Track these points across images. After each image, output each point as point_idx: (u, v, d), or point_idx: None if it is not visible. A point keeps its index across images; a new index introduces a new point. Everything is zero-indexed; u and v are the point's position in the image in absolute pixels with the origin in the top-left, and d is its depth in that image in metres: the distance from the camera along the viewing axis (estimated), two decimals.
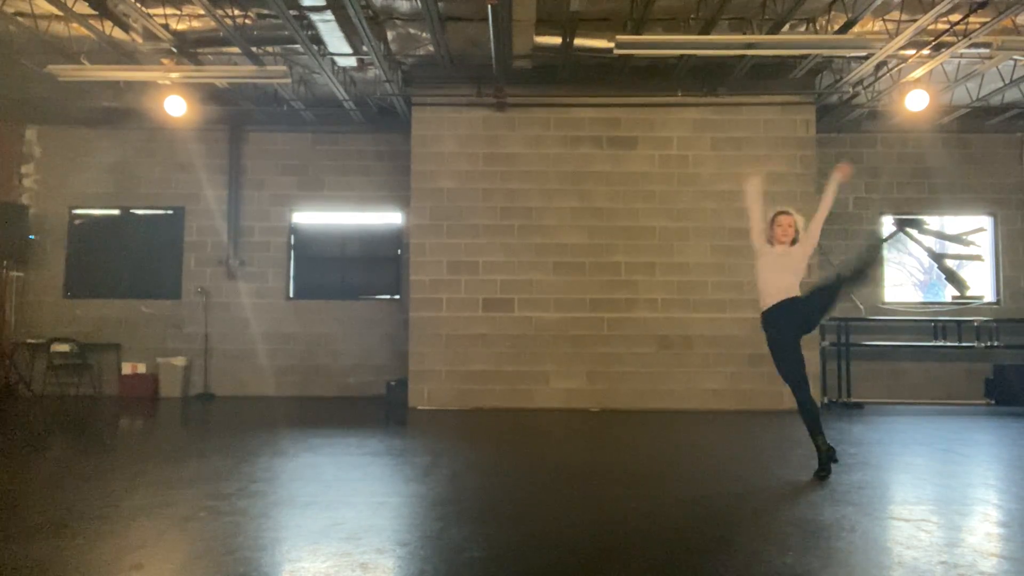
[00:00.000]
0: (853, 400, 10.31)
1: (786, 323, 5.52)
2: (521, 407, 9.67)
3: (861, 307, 10.83)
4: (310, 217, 11.42)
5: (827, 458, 5.46)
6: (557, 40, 8.30)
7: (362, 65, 9.17)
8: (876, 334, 10.74)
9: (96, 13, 7.47)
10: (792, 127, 9.98)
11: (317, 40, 8.10)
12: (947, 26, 7.44)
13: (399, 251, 11.29)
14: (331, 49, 8.34)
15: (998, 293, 11.09)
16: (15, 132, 11.30)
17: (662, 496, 5.13)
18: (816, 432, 5.46)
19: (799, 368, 5.50)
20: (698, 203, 9.93)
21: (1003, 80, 9.04)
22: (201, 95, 9.70)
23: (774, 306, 5.55)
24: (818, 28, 8.17)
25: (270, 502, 4.77)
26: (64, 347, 10.72)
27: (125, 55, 8.43)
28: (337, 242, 11.40)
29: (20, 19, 7.68)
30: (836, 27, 7.97)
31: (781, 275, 5.58)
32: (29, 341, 10.79)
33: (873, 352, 10.67)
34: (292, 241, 11.37)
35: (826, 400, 10.13)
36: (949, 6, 6.78)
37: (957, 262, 11.51)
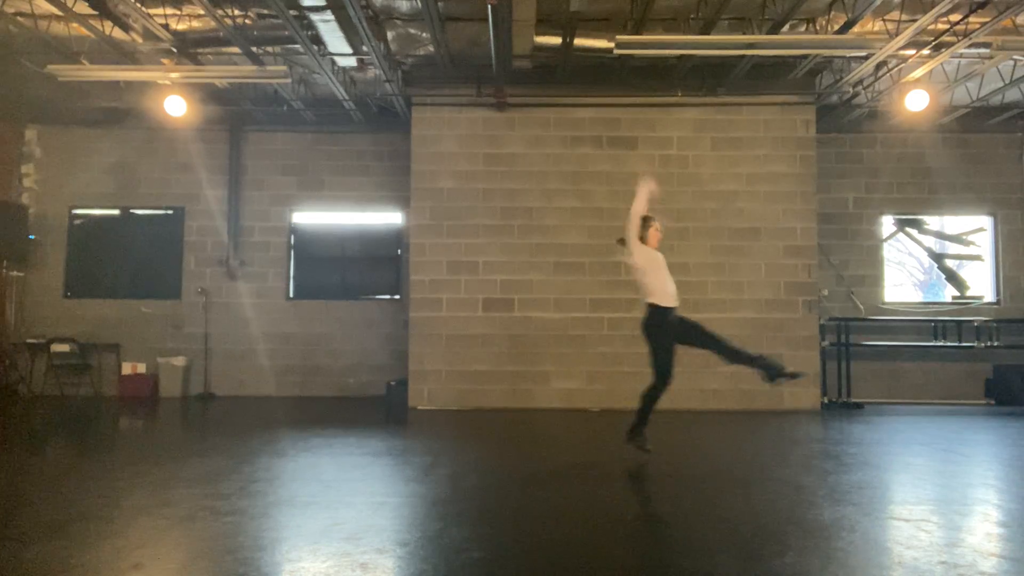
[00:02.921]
0: (853, 400, 10.30)
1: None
2: (521, 407, 9.68)
3: (861, 307, 10.84)
4: (310, 217, 11.42)
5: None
6: (557, 40, 8.30)
7: (362, 65, 9.17)
8: (876, 334, 10.74)
9: (96, 13, 7.47)
10: (792, 127, 9.98)
11: (317, 40, 8.10)
12: (947, 26, 7.44)
13: (399, 251, 11.28)
14: (331, 49, 8.34)
15: (998, 293, 11.09)
16: (15, 132, 11.29)
17: (662, 496, 5.13)
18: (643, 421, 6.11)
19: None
20: (698, 203, 9.93)
21: (1003, 80, 9.04)
22: (201, 95, 9.70)
23: (674, 309, 6.05)
24: (818, 28, 8.17)
25: (270, 502, 4.77)
26: (64, 347, 10.72)
27: (125, 55, 8.43)
28: (337, 242, 11.40)
29: (20, 19, 7.68)
30: (836, 27, 7.97)
31: (670, 278, 6.09)
32: (29, 341, 10.79)
33: (873, 352, 10.66)
34: (292, 241, 11.37)
35: (826, 400, 10.14)
36: (949, 6, 6.78)
37: (957, 262, 11.51)
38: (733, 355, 6.08)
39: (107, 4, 7.39)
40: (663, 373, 6.00)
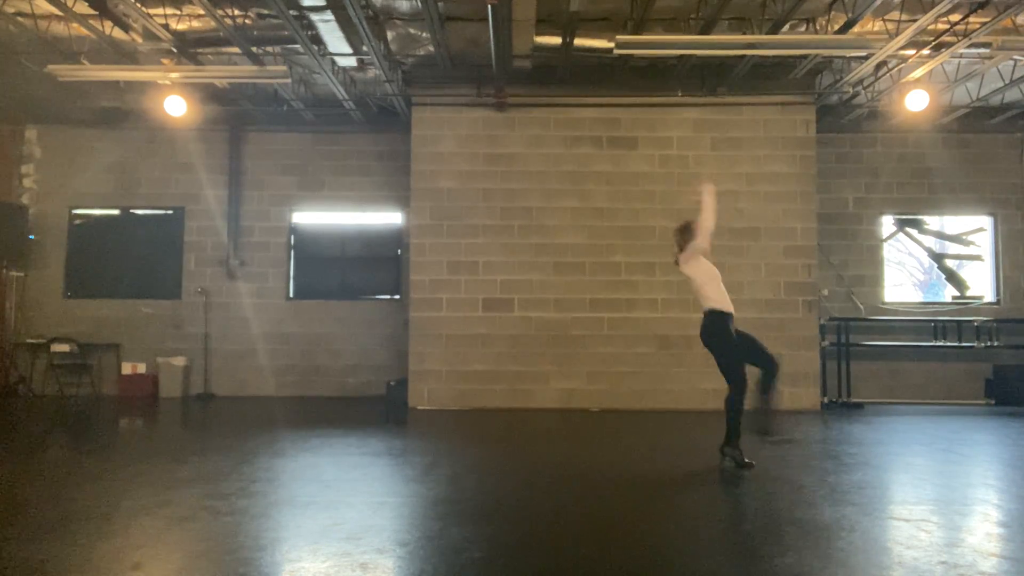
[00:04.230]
0: (853, 400, 10.30)
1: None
2: (521, 407, 9.68)
3: (861, 307, 10.83)
4: (310, 217, 11.42)
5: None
6: (557, 40, 8.30)
7: (362, 65, 9.17)
8: (876, 334, 10.74)
9: (96, 13, 7.47)
10: (792, 127, 9.98)
11: (317, 40, 8.10)
12: (947, 26, 7.44)
13: (399, 251, 11.28)
14: (331, 49, 8.34)
15: (998, 293, 11.09)
16: (15, 132, 11.29)
17: (662, 496, 5.13)
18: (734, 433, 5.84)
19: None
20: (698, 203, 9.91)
21: (1003, 80, 9.04)
22: (201, 95, 9.70)
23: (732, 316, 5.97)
24: (818, 28, 8.17)
25: (270, 502, 4.77)
26: (64, 347, 10.72)
27: (125, 55, 8.43)
28: (337, 242, 11.40)
29: (20, 19, 7.68)
30: (836, 27, 7.97)
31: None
32: (29, 341, 10.79)
33: (873, 352, 10.66)
34: (292, 241, 11.37)
35: (826, 400, 10.13)
36: (949, 6, 6.78)
37: (957, 262, 11.51)
38: (768, 383, 5.81)
39: (107, 4, 7.39)
40: (736, 378, 5.81)
